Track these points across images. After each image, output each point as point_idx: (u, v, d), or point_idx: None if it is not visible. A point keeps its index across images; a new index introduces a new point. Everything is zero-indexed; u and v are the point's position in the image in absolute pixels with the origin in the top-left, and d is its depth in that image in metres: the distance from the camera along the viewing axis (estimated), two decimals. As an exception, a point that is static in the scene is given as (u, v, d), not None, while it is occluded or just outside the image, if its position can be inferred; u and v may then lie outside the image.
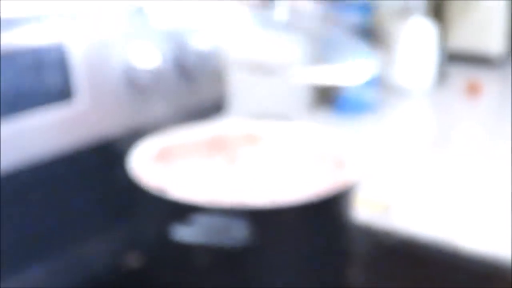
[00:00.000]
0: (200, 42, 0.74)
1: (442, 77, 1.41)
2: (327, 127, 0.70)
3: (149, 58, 0.69)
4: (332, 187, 0.56)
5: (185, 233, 0.51)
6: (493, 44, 1.59)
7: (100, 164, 0.66)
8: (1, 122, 0.56)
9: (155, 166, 0.63)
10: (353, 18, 1.18)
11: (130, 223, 0.62)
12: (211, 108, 0.82)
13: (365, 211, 0.78)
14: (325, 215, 0.57)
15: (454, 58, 1.56)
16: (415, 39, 1.32)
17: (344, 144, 0.66)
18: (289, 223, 0.55)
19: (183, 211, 0.53)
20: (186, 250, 0.54)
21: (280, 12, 1.15)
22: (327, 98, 1.28)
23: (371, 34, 1.26)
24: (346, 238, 0.62)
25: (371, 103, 1.25)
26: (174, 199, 0.53)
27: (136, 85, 0.70)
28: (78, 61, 0.64)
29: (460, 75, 1.44)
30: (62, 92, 0.63)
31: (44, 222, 0.64)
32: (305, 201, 0.54)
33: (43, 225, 0.64)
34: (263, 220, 0.53)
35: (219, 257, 0.54)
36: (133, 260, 0.66)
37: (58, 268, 0.65)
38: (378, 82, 1.35)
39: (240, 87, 1.03)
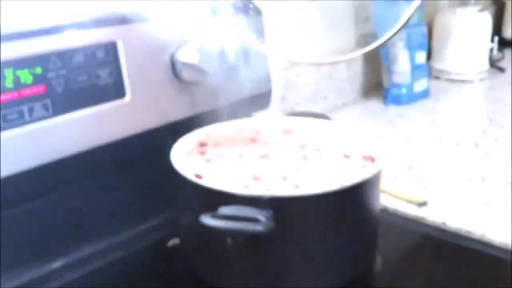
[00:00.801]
0: (244, 38, 0.78)
1: (497, 65, 1.41)
2: (357, 126, 0.75)
3: (194, 54, 0.76)
4: (356, 178, 0.60)
5: (215, 220, 0.56)
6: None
7: (146, 153, 0.73)
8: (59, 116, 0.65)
9: (194, 157, 0.70)
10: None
11: (172, 210, 0.68)
12: (255, 103, 0.88)
13: (401, 205, 0.83)
14: (348, 205, 0.61)
15: (510, 46, 1.55)
16: (471, 27, 1.32)
17: (371, 142, 0.70)
18: (312, 212, 0.59)
19: (214, 199, 0.58)
20: (215, 235, 0.59)
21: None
22: (378, 87, 1.30)
23: (425, 20, 1.26)
24: (370, 229, 0.67)
25: (423, 92, 1.27)
26: (207, 187, 0.59)
27: (181, 80, 0.77)
28: (129, 58, 0.71)
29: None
30: (115, 89, 0.71)
31: (94, 206, 0.72)
32: (327, 190, 0.58)
33: (93, 208, 0.72)
34: (286, 208, 0.58)
35: (246, 243, 0.59)
36: (173, 244, 0.72)
37: (104, 250, 0.73)
38: (430, 71, 1.37)
39: (289, 79, 1.09)
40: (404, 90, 1.26)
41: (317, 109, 1.20)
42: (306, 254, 0.61)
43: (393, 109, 1.25)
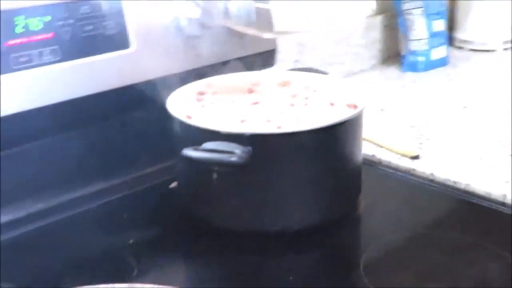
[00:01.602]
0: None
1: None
2: (348, 80, 0.79)
3: (196, 8, 0.82)
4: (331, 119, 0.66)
5: (195, 151, 0.63)
6: None
7: (150, 102, 0.79)
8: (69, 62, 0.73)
9: (190, 103, 0.76)
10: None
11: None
12: (259, 61, 0.91)
13: (395, 158, 0.88)
14: (323, 145, 0.67)
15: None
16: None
17: (357, 92, 0.75)
18: (288, 148, 0.65)
19: (200, 136, 0.65)
20: (201, 171, 0.67)
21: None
22: (398, 55, 1.33)
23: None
24: (349, 171, 0.72)
25: (441, 60, 1.29)
26: (194, 125, 0.67)
27: (184, 33, 0.83)
28: (133, 11, 0.78)
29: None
30: (119, 39, 0.78)
31: (102, 148, 0.80)
32: (303, 129, 0.65)
33: (100, 151, 0.80)
34: (265, 144, 0.65)
35: (229, 177, 0.66)
36: (174, 186, 0.78)
37: (109, 189, 0.81)
38: (454, 41, 1.40)
39: (303, 42, 1.14)
40: (421, 58, 1.29)
41: (333, 73, 1.23)
42: (284, 189, 0.67)
43: (409, 75, 1.28)
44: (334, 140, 0.68)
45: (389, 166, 0.86)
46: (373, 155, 0.89)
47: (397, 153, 0.88)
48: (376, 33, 1.34)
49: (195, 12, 0.82)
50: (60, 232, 0.72)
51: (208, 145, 0.64)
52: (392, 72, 1.31)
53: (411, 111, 1.06)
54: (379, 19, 1.33)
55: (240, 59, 0.88)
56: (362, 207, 0.75)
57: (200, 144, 0.64)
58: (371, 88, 1.20)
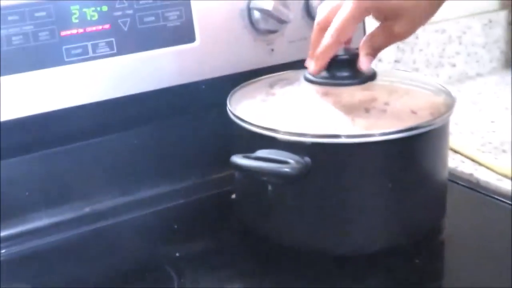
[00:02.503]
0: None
1: None
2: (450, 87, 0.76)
3: (270, 1, 0.81)
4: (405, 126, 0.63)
5: (244, 159, 0.64)
6: None
7: (212, 100, 0.80)
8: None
9: (255, 98, 0.74)
10: None
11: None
12: None
13: (489, 176, 0.84)
14: (397, 157, 0.65)
15: None
16: None
17: (447, 99, 0.72)
18: (354, 160, 0.64)
19: (254, 141, 0.65)
20: (255, 182, 0.67)
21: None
22: None
23: None
24: (431, 188, 0.69)
25: None
26: (249, 128, 0.66)
27: (255, 28, 0.83)
28: (199, 1, 0.78)
29: None
30: (183, 32, 0.79)
31: (160, 151, 0.82)
32: (372, 139, 0.63)
33: (158, 153, 0.82)
34: (326, 155, 0.64)
35: (284, 190, 0.66)
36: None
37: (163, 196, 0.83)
38: None
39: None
40: None
41: (442, 77, 1.20)
42: (350, 206, 0.66)
43: None
44: (412, 152, 0.66)
45: (485, 188, 0.82)
46: (470, 174, 0.86)
47: (496, 172, 0.83)
48: (498, 31, 1.27)
49: (269, 4, 0.81)
50: (103, 239, 0.73)
51: (262, 152, 0.64)
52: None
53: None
54: (502, 15, 1.27)
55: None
56: (446, 232, 0.73)
57: (255, 149, 0.64)
58: (486, 96, 1.15)
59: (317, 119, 0.67)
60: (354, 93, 0.73)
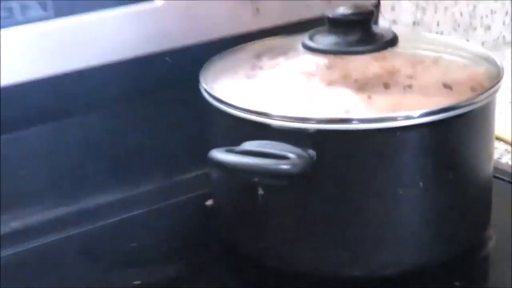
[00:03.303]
0: None
1: None
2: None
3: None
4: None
5: (227, 154, 0.61)
6: None
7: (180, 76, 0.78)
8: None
9: (240, 72, 0.73)
10: None
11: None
12: None
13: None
14: (431, 147, 0.65)
15: None
16: None
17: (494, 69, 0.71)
18: (374, 152, 0.63)
19: (241, 129, 0.64)
20: (239, 178, 0.65)
21: None
22: None
23: None
24: (472, 188, 0.69)
25: None
26: (231, 112, 0.64)
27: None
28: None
29: None
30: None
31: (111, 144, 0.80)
32: (399, 124, 0.62)
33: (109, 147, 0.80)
34: (335, 145, 0.63)
35: (279, 189, 0.63)
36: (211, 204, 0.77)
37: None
38: None
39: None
40: None
41: (475, 41, 1.20)
42: (368, 215, 0.65)
43: None
44: (448, 140, 0.65)
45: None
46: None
47: None
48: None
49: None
50: (31, 264, 0.72)
51: (250, 145, 0.62)
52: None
53: None
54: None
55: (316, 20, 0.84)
56: (493, 242, 0.73)
57: (241, 141, 0.63)
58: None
59: (322, 99, 0.66)
60: (368, 64, 0.73)
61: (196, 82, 0.69)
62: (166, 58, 0.79)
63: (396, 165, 0.64)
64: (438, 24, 1.17)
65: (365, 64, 0.73)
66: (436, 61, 0.75)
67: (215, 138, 0.67)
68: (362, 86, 0.69)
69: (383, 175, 0.64)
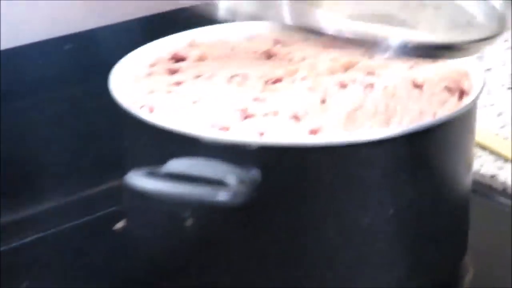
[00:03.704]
0: None
1: None
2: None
3: None
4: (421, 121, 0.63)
5: (149, 179, 0.58)
6: None
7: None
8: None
9: (156, 78, 0.72)
10: None
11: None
12: None
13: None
14: (402, 167, 0.63)
15: None
16: None
17: (465, 65, 0.71)
18: (331, 173, 0.60)
19: (167, 147, 0.61)
20: (167, 211, 0.62)
21: None
22: None
23: None
24: (448, 211, 0.68)
25: None
26: (155, 125, 0.61)
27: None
28: None
29: None
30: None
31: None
32: (364, 138, 0.60)
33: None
34: (287, 165, 0.60)
35: (213, 226, 0.62)
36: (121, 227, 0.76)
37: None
38: None
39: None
40: None
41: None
42: (326, 247, 0.63)
43: None
44: (422, 155, 0.63)
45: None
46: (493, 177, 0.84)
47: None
48: None
49: None
50: None
51: (177, 164, 0.59)
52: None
53: None
54: None
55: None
56: (470, 275, 0.73)
57: (166, 158, 0.59)
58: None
59: (264, 105, 0.66)
60: (318, 54, 0.73)
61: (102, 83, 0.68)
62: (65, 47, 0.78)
63: (361, 189, 0.62)
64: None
65: (314, 53, 0.73)
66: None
67: (132, 156, 0.65)
68: (314, 86, 0.68)
69: (344, 200, 0.62)
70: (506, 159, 0.87)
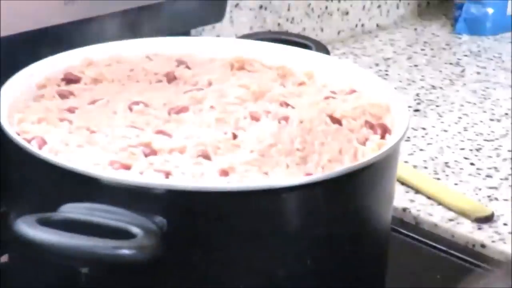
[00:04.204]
0: None
1: None
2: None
3: None
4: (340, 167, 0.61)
5: (38, 229, 0.54)
6: None
7: None
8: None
9: (44, 103, 0.69)
10: None
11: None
12: (199, 11, 0.92)
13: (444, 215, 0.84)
14: (320, 214, 0.61)
15: None
16: None
17: (388, 94, 0.70)
18: (248, 221, 0.59)
19: (60, 188, 0.58)
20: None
21: None
22: (447, 3, 1.32)
23: None
24: (367, 256, 0.66)
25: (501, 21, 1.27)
26: (48, 161, 0.58)
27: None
28: None
29: None
30: None
31: None
32: (280, 183, 0.58)
33: None
34: (197, 212, 0.58)
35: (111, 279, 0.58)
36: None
37: None
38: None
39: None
40: (489, 9, 1.26)
41: (324, 32, 1.20)
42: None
43: (467, 41, 1.25)
44: (343, 200, 0.62)
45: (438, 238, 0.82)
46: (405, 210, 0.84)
47: (454, 209, 0.84)
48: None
49: None
50: None
51: (73, 209, 0.56)
52: (437, 32, 1.27)
53: (471, 119, 1.03)
54: None
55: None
56: None
57: (59, 203, 0.57)
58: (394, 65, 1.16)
59: (167, 138, 0.64)
60: (225, 78, 0.73)
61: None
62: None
63: (276, 237, 0.60)
64: (288, 9, 1.15)
65: (221, 78, 0.73)
66: (310, 77, 0.75)
67: (19, 199, 0.63)
68: (223, 117, 0.67)
69: (259, 251, 0.60)
70: (417, 191, 0.87)
